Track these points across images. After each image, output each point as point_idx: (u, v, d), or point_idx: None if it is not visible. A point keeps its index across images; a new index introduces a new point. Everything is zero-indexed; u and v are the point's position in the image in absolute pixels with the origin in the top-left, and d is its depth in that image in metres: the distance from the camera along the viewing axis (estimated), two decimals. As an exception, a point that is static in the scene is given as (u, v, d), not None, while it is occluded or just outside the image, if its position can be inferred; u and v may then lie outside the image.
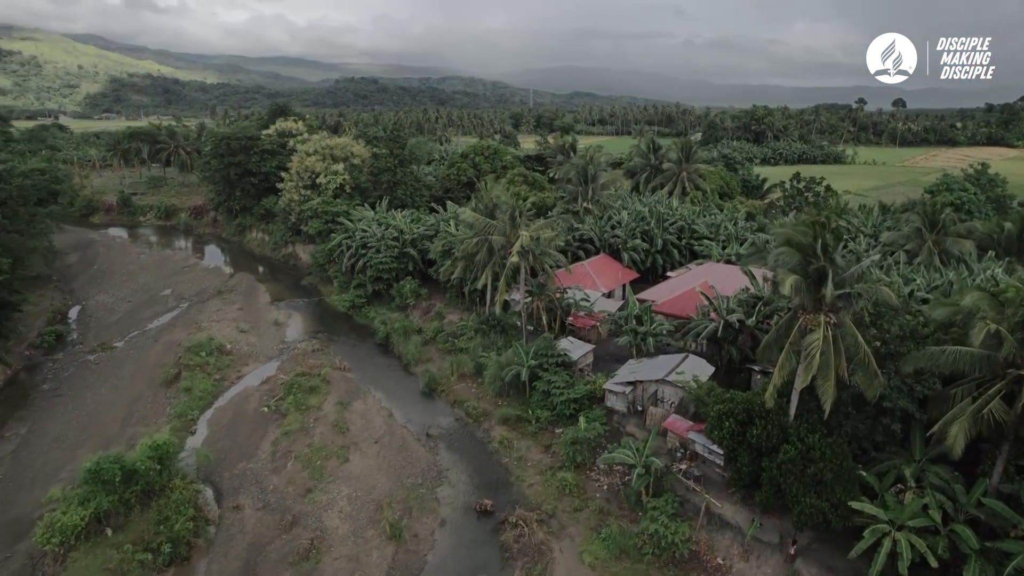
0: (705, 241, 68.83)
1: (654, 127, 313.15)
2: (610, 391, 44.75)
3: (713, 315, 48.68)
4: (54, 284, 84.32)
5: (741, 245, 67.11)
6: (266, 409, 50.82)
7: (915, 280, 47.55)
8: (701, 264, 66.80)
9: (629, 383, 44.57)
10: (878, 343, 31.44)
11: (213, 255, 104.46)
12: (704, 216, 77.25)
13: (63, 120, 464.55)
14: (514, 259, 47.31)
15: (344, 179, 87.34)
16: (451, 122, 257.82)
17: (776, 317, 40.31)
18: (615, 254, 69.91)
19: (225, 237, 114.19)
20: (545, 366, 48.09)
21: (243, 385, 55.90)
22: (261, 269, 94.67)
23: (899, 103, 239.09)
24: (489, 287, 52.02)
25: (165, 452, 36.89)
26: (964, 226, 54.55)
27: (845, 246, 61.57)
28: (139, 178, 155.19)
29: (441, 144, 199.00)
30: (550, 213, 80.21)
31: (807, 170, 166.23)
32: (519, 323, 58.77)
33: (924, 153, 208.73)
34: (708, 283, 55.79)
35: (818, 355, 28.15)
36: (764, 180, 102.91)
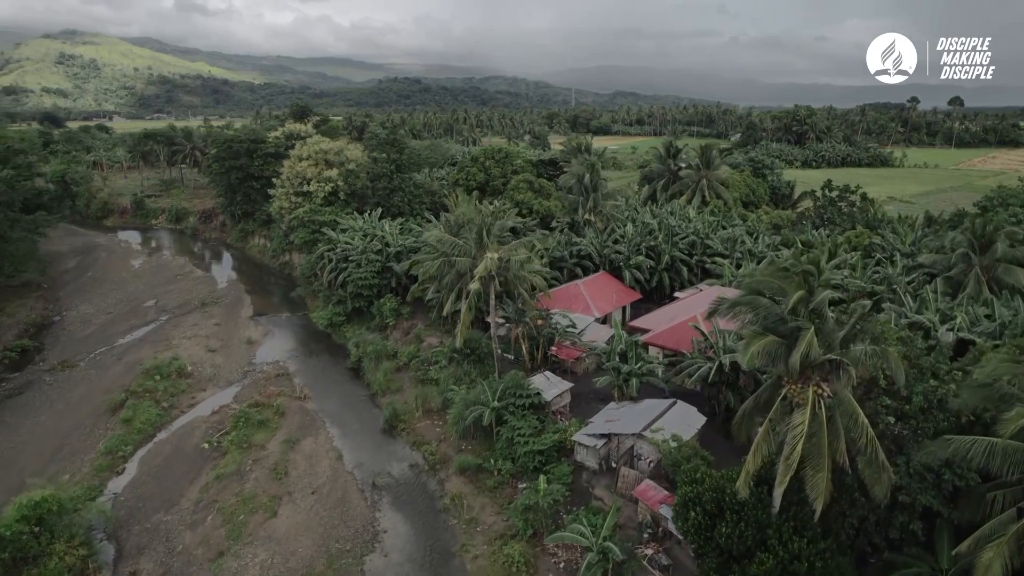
0: (718, 259, 61.36)
1: (694, 127, 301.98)
2: (580, 444, 38.17)
3: (710, 353, 41.73)
4: (40, 292, 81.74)
5: (759, 264, 59.45)
6: (207, 445, 45.84)
7: (955, 318, 39.50)
8: (713, 285, 59.41)
9: (603, 435, 37.92)
10: (892, 418, 24.20)
11: (212, 262, 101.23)
12: (722, 229, 69.68)
13: (117, 120, 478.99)
14: (474, 286, 41.11)
15: (338, 184, 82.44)
16: (480, 123, 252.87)
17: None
18: (617, 272, 63.04)
19: (229, 243, 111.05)
20: (512, 408, 41.79)
21: (194, 414, 51.09)
22: (255, 278, 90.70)
23: (956, 101, 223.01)
24: (463, 312, 45.87)
25: (46, 511, 31.98)
26: (1022, 250, 45.90)
27: (876, 270, 53.65)
28: (160, 180, 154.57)
29: (467, 146, 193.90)
30: (554, 223, 74.13)
31: (852, 173, 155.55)
32: (500, 351, 52.72)
33: (982, 155, 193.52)
34: (712, 311, 48.76)
35: (799, 445, 21.18)
36: (794, 187, 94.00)
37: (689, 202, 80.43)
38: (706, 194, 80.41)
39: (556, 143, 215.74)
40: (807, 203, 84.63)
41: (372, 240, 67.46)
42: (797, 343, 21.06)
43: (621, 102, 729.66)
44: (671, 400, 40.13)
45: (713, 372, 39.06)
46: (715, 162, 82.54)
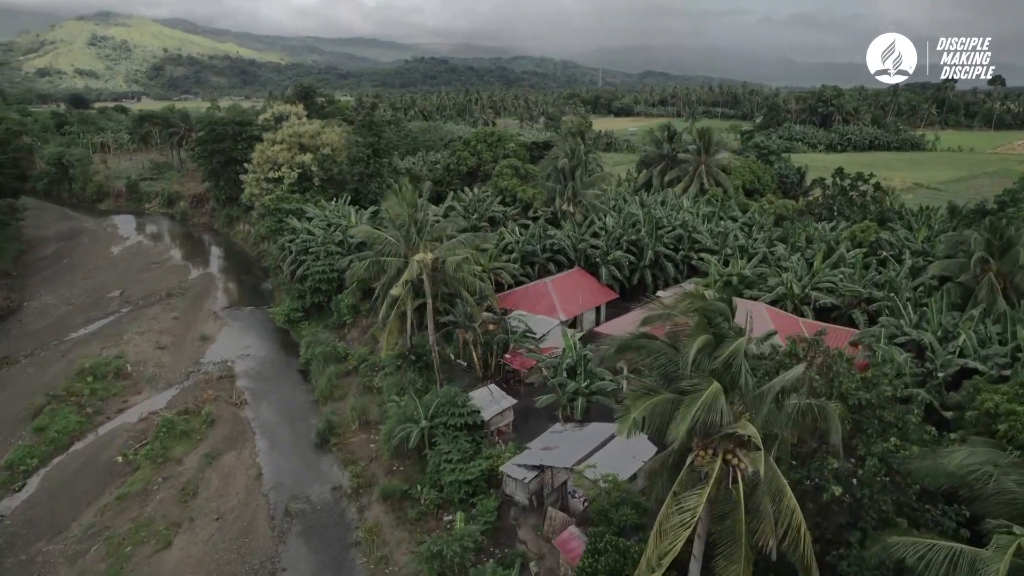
0: (704, 255, 55.41)
1: (718, 108, 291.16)
2: (509, 476, 33.22)
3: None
4: (6, 281, 79.10)
5: (749, 261, 53.45)
6: (120, 459, 42.00)
7: (959, 336, 33.34)
8: (699, 285, 53.60)
9: (535, 467, 32.91)
10: (840, 490, 18.70)
11: (193, 249, 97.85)
12: (717, 220, 63.66)
13: (145, 101, 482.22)
14: (396, 291, 36.23)
15: (312, 170, 78.01)
16: (492, 104, 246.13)
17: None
18: (594, 268, 57.53)
19: (216, 229, 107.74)
20: (443, 427, 36.97)
21: (120, 421, 47.27)
22: (232, 267, 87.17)
23: (998, 80, 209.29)
24: (391, 318, 40.99)
25: None
26: (1044, 253, 39.22)
27: (879, 270, 47.49)
28: (167, 162, 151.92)
29: (477, 128, 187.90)
30: (531, 212, 69.17)
31: (878, 158, 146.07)
32: (453, 357, 48.01)
33: (1023, 138, 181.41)
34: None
35: (679, 540, 15.85)
36: (804, 174, 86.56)
37: (686, 190, 74.18)
38: (704, 181, 73.98)
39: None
40: (819, 192, 77.67)
41: (335, 230, 62.91)
42: (683, 406, 15.75)
43: (651, 82, 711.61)
44: (620, 425, 34.88)
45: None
46: (715, 146, 75.87)
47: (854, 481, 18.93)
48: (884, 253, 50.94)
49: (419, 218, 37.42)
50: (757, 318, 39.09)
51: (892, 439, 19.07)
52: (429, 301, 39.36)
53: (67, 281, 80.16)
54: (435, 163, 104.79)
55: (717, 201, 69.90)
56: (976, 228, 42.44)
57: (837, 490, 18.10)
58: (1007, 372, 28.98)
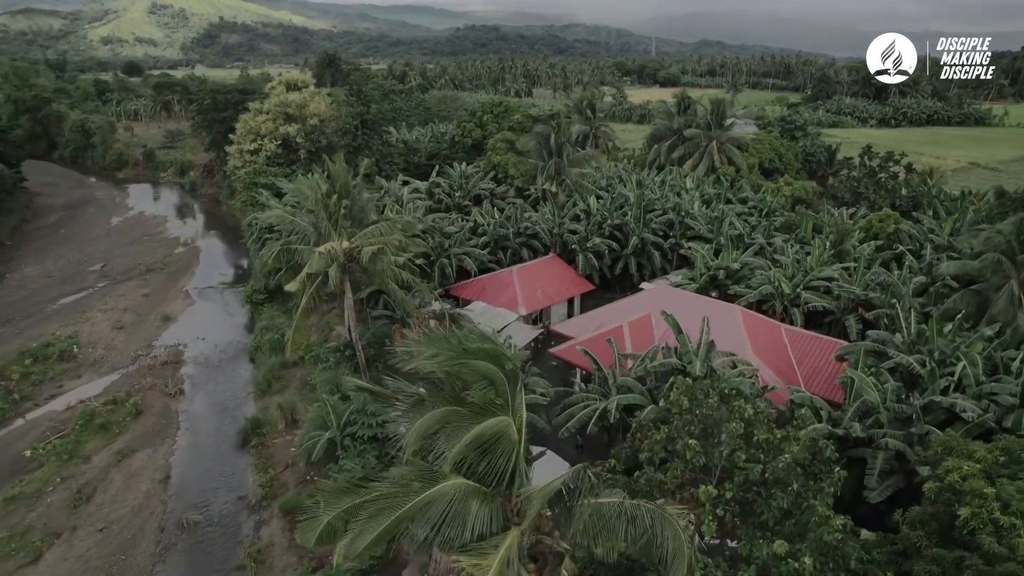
0: (694, 244, 49.16)
1: (769, 79, 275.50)
2: (404, 504, 28.72)
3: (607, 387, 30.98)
4: (-4, 251, 78.61)
5: (743, 253, 47.06)
6: (29, 453, 39.36)
7: (963, 356, 26.81)
8: (679, 282, 47.54)
9: (432, 496, 28.29)
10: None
11: (191, 221, 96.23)
12: (726, 203, 57.15)
13: (199, 69, 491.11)
14: (293, 287, 31.87)
15: (298, 141, 74.21)
16: (527, 73, 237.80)
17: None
18: (571, 255, 52.04)
19: (220, 200, 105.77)
20: (351, 439, 32.82)
21: (48, 409, 44.63)
22: (224, 241, 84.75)
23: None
24: (297, 314, 36.69)
25: None
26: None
27: (899, 262, 40.92)
28: (166, 131, 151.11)
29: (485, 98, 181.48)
30: (529, 190, 64.00)
31: (936, 133, 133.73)
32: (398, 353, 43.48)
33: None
34: (650, 322, 37.96)
35: None
36: (835, 151, 77.59)
37: (694, 168, 67.27)
38: (715, 159, 66.80)
39: (608, 96, 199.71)
40: (844, 173, 69.44)
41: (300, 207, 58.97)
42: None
43: (706, 52, 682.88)
44: (540, 450, 30.01)
45: (596, 418, 28.45)
46: (729, 120, 68.39)
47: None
48: (900, 247, 43.83)
49: (330, 203, 32.76)
50: (725, 324, 33.34)
51: (779, 541, 13.60)
52: (349, 296, 34.87)
53: (57, 252, 79.05)
54: (443, 135, 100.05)
55: (726, 181, 62.96)
56: (996, 227, 35.07)
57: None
58: (1008, 419, 22.65)
